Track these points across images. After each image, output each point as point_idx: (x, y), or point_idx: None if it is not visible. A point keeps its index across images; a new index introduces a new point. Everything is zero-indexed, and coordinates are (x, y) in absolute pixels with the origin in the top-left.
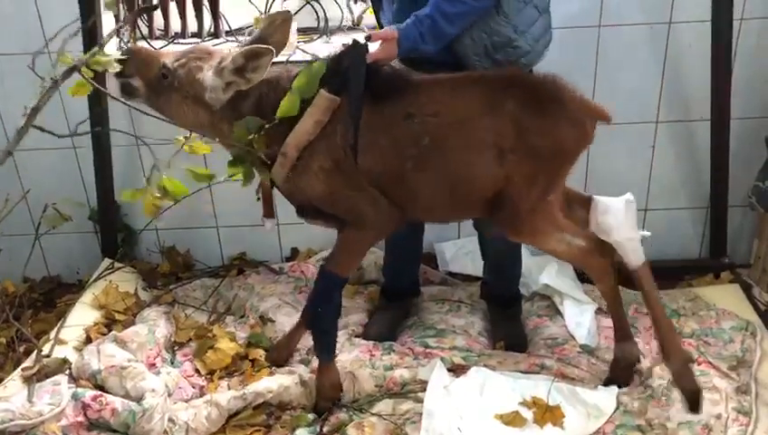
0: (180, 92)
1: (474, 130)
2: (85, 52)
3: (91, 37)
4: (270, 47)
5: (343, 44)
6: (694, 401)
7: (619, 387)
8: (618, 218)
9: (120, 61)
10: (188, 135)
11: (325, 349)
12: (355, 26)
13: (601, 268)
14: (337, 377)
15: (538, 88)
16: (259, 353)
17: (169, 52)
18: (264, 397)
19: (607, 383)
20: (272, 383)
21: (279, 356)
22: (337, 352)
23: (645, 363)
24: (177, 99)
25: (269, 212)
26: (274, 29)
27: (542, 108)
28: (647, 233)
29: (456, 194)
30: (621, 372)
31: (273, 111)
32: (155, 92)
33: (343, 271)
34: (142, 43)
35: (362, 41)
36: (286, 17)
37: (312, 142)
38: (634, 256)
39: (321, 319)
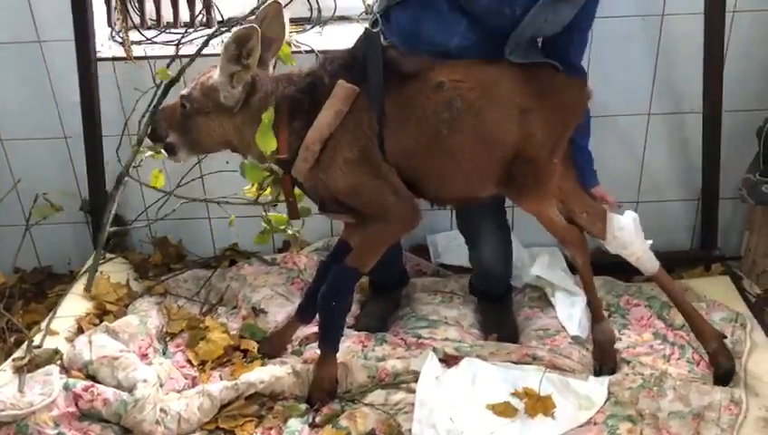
0: (201, 111)
1: (499, 91)
2: (77, 39)
3: (82, 23)
4: (253, 25)
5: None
6: (725, 377)
7: (609, 373)
8: (631, 235)
9: (151, 129)
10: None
11: (331, 342)
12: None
13: (578, 239)
14: (336, 371)
15: (532, 64)
16: (251, 345)
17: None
18: (255, 387)
19: (596, 373)
20: (264, 374)
21: (272, 349)
22: None
23: (636, 353)
24: (201, 120)
25: (295, 214)
26: (268, 24)
27: (544, 76)
28: (649, 242)
29: (484, 158)
30: (606, 356)
31: (290, 106)
32: (185, 131)
33: (365, 267)
34: (133, 33)
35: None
36: (278, 10)
37: (335, 134)
38: (650, 265)
39: (333, 313)
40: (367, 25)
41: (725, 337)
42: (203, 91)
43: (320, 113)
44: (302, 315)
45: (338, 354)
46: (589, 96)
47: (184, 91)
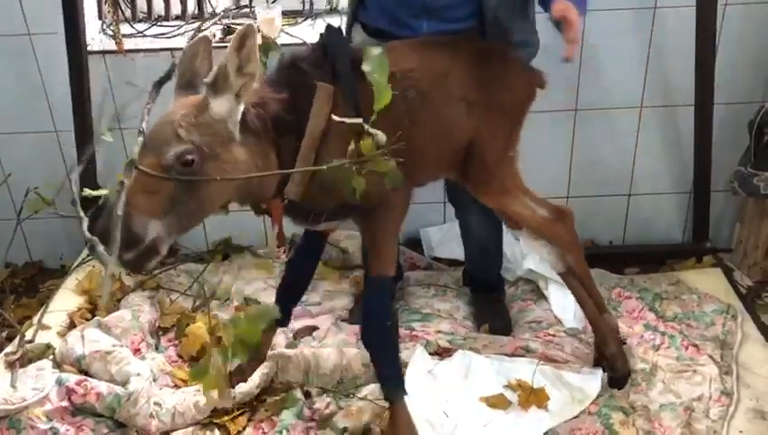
0: (212, 156)
1: (446, 84)
2: (67, 32)
3: (72, 16)
4: (250, 24)
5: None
6: (620, 381)
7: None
8: None
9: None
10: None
11: (397, 378)
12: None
13: (567, 238)
14: (413, 423)
15: (488, 46)
16: None
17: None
18: (252, 394)
19: (596, 364)
20: (255, 378)
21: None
22: (323, 335)
23: (627, 345)
24: (215, 167)
25: (283, 241)
26: (201, 60)
27: (496, 63)
28: None
29: (442, 148)
30: (608, 346)
31: (277, 122)
32: (185, 202)
33: (390, 268)
34: (124, 26)
35: (336, 25)
36: (207, 43)
37: (324, 140)
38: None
39: (387, 335)
40: (328, 21)
41: (625, 342)
42: (205, 131)
43: (309, 122)
44: (278, 320)
45: (333, 344)
46: (542, 84)
47: (174, 150)
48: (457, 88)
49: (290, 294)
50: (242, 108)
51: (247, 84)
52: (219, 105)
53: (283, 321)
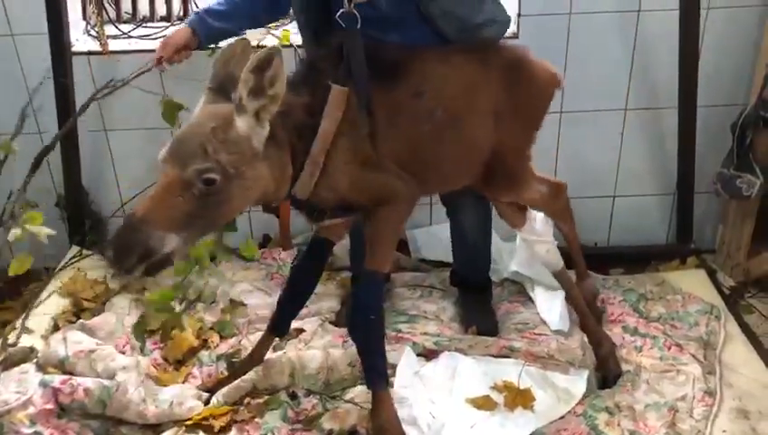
0: (237, 174)
1: (475, 98)
2: (51, 33)
3: (56, 17)
4: (275, 46)
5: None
6: (611, 381)
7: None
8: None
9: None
10: None
11: (381, 372)
12: None
13: (562, 208)
14: (396, 412)
15: (511, 53)
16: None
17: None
18: (235, 397)
19: (582, 328)
20: (242, 383)
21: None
22: (309, 337)
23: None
24: (236, 185)
25: (288, 244)
26: (236, 62)
27: (521, 71)
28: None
29: (466, 160)
30: (591, 308)
31: (296, 125)
32: (204, 216)
33: (386, 263)
34: (109, 27)
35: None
36: (245, 46)
37: (334, 140)
38: (556, 261)
39: (374, 330)
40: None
41: (616, 345)
42: (232, 149)
43: (321, 124)
44: (278, 328)
45: (319, 346)
46: (558, 84)
47: (201, 166)
48: (487, 102)
49: (292, 302)
50: (266, 127)
51: (269, 106)
52: (242, 123)
53: (283, 329)
